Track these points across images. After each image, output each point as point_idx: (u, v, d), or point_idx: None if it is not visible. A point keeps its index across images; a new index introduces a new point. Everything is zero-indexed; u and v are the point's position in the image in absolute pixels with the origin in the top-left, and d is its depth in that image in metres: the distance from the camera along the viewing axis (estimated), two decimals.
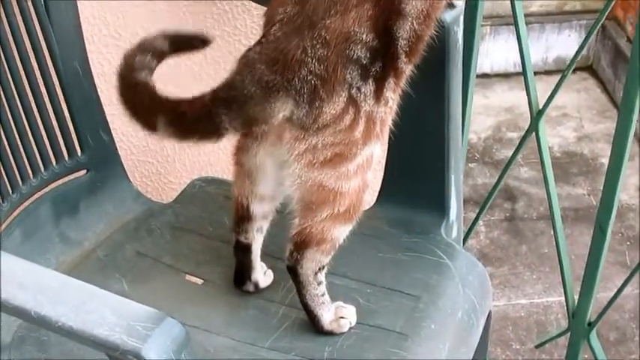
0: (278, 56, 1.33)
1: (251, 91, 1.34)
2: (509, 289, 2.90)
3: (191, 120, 1.37)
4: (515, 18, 1.96)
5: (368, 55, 1.35)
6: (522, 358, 2.66)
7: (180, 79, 2.00)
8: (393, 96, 1.42)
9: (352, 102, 1.36)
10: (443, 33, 1.52)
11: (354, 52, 1.34)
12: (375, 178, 1.68)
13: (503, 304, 2.84)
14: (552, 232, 2.86)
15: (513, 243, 3.10)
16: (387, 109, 1.42)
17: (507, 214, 3.22)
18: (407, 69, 1.42)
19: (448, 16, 1.55)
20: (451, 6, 1.54)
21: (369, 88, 1.37)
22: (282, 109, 1.34)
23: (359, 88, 1.36)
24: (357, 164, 1.41)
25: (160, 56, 1.44)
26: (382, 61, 1.37)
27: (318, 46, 1.32)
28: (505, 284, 2.92)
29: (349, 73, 1.34)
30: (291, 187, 1.43)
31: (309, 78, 1.33)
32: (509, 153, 3.46)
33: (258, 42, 1.39)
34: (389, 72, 1.39)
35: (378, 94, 1.38)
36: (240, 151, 1.51)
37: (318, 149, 1.38)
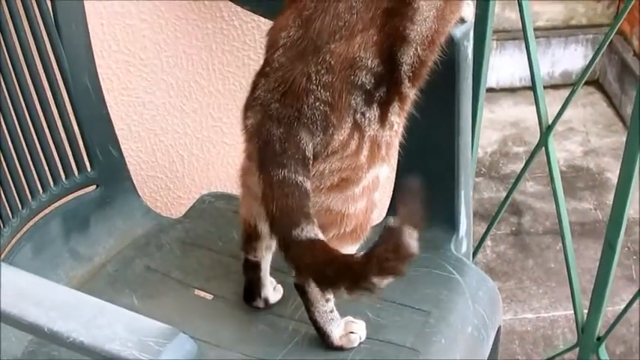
0: (285, 88, 1.33)
1: (279, 135, 1.33)
2: (515, 304, 2.90)
3: (283, 213, 1.33)
4: (526, 36, 1.96)
5: (372, 81, 1.34)
6: None
7: (189, 94, 2.01)
8: (398, 120, 1.41)
9: (357, 127, 1.35)
10: (453, 48, 1.52)
11: (359, 77, 1.33)
12: (384, 192, 1.69)
13: (510, 318, 2.84)
14: (558, 247, 2.87)
15: (520, 257, 3.10)
16: (393, 133, 1.41)
17: (513, 229, 3.22)
18: (411, 93, 1.41)
19: (458, 31, 1.55)
20: (462, 20, 1.54)
21: (373, 113, 1.36)
22: (309, 140, 1.33)
23: (363, 114, 1.35)
24: (363, 187, 1.40)
25: None
26: (386, 86, 1.36)
27: (322, 72, 1.32)
28: (511, 298, 2.92)
29: (354, 98, 1.33)
30: None
31: (317, 105, 1.32)
32: (516, 167, 3.49)
33: (262, 73, 1.38)
34: (393, 97, 1.38)
35: (383, 118, 1.38)
36: (246, 173, 1.50)
37: (325, 175, 1.37)
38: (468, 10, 1.55)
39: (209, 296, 1.65)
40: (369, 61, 1.33)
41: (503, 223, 3.22)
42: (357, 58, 1.32)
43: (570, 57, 3.94)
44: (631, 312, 2.78)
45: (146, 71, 1.98)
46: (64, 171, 1.72)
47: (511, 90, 3.94)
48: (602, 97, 3.95)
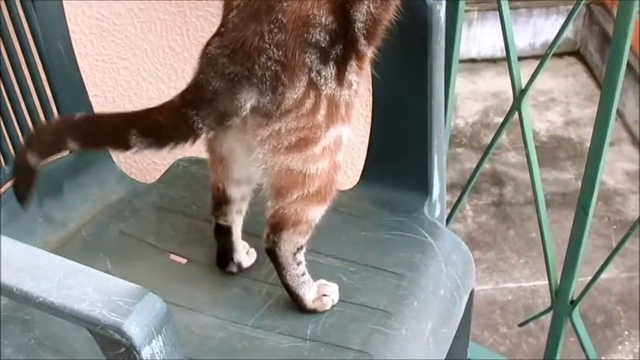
0: (236, 46, 1.33)
1: (216, 87, 1.33)
2: (496, 274, 2.91)
3: (166, 127, 1.35)
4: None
5: (327, 39, 1.34)
6: (509, 341, 2.66)
7: (163, 59, 2.01)
8: (356, 78, 1.41)
9: (312, 86, 1.35)
10: (425, 10, 1.52)
11: (313, 35, 1.33)
12: (358, 157, 1.69)
13: (491, 288, 2.85)
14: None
15: (501, 228, 3.11)
16: (352, 92, 1.41)
17: (495, 199, 3.23)
18: (368, 51, 1.41)
19: None
20: None
21: (329, 71, 1.36)
22: (249, 99, 1.33)
23: (319, 72, 1.35)
24: (323, 146, 1.41)
25: None
26: (342, 44, 1.36)
27: (275, 31, 1.31)
28: (493, 268, 2.92)
29: (308, 56, 1.33)
30: (259, 172, 1.43)
31: (268, 64, 1.32)
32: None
33: (218, 33, 1.38)
34: (350, 55, 1.38)
35: (341, 77, 1.38)
36: (209, 138, 1.50)
37: (281, 135, 1.37)
38: None
39: (183, 260, 1.66)
40: (323, 19, 1.33)
41: (484, 194, 3.23)
42: (311, 16, 1.32)
43: (551, 28, 3.93)
44: (611, 281, 2.81)
45: (120, 37, 1.97)
46: None
47: (492, 61, 3.94)
48: (583, 68, 3.95)
